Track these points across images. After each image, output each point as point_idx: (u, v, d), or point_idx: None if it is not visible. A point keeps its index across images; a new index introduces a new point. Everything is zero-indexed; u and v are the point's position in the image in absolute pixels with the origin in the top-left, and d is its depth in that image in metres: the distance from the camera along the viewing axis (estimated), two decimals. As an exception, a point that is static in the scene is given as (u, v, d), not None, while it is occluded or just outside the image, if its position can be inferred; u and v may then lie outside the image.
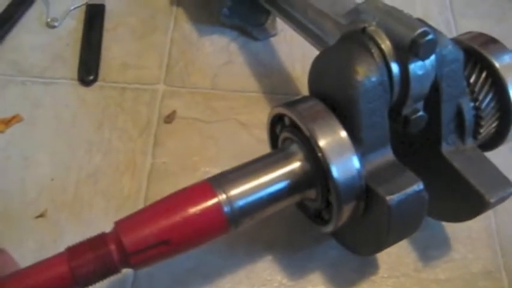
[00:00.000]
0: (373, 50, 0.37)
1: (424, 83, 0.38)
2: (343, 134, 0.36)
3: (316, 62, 0.40)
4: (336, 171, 0.36)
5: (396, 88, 0.37)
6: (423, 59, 0.36)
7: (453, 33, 0.64)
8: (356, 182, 0.37)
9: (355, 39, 0.38)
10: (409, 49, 0.35)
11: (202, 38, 0.61)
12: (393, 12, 0.37)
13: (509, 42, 0.59)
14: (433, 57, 0.38)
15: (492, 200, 0.39)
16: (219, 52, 0.60)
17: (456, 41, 0.44)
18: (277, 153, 0.40)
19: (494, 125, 0.43)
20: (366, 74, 0.36)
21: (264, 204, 0.38)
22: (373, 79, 0.36)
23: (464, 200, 0.41)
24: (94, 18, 0.62)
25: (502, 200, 0.40)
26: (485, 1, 0.67)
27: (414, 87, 0.37)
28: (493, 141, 0.45)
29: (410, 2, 0.67)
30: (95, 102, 0.56)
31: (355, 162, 0.36)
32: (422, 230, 0.50)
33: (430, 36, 0.35)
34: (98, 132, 0.54)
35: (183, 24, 0.62)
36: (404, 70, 0.37)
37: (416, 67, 0.37)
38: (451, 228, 0.50)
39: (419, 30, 0.35)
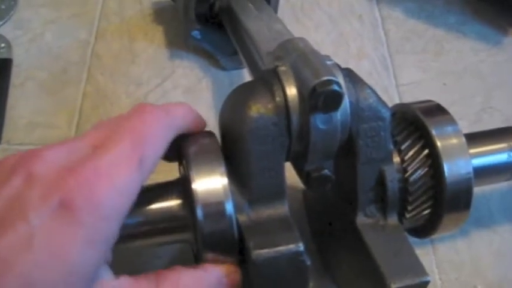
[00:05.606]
0: (275, 88, 0.33)
1: (327, 140, 0.33)
2: (222, 177, 0.32)
3: (226, 98, 0.36)
4: (201, 213, 0.32)
5: (295, 136, 0.33)
6: (323, 111, 0.32)
7: (389, 70, 0.59)
8: (227, 230, 0.32)
9: (262, 78, 0.34)
10: (309, 98, 0.31)
11: (117, 90, 0.56)
12: (309, 55, 0.33)
13: (448, 77, 0.58)
14: (347, 110, 0.33)
15: (394, 286, 0.33)
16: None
17: (404, 106, 0.40)
18: (165, 185, 0.36)
19: (426, 205, 0.38)
20: (259, 110, 0.32)
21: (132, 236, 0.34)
22: (267, 117, 0.32)
23: (370, 282, 0.36)
24: None
25: (410, 288, 0.35)
26: (422, 36, 0.62)
27: (315, 141, 0.33)
28: (427, 227, 0.40)
29: (344, 37, 0.62)
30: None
31: (228, 207, 0.32)
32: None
33: (332, 87, 0.30)
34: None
35: (97, 76, 0.57)
36: (304, 120, 0.32)
37: (318, 119, 0.32)
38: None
39: (323, 78, 0.30)
